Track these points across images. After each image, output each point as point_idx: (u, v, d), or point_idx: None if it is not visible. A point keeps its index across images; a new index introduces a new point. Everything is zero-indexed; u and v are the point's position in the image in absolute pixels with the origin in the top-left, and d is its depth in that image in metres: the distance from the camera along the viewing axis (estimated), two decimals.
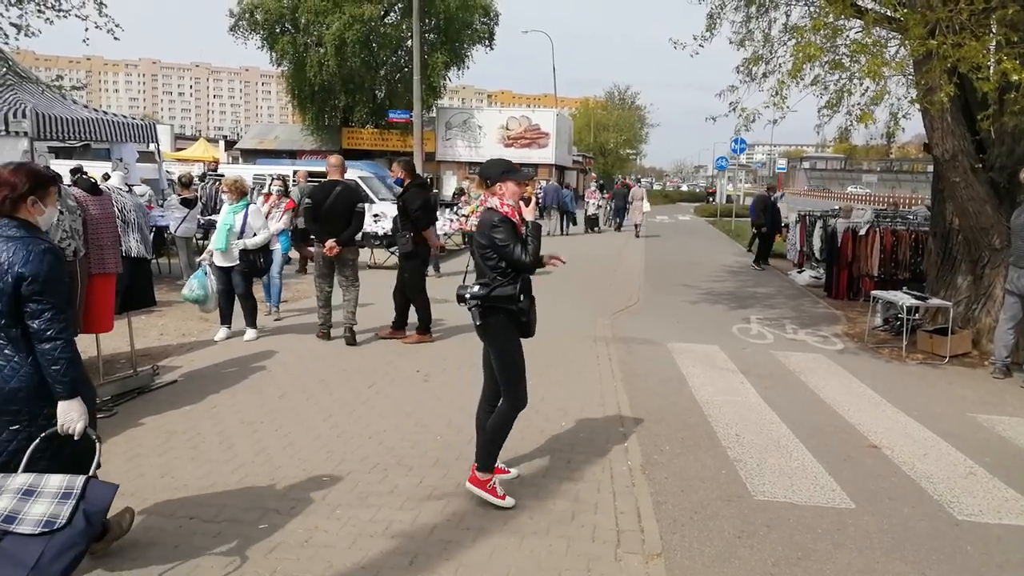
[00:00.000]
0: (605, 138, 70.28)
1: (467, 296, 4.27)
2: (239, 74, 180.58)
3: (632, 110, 73.50)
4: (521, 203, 4.33)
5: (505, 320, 4.27)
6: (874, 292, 10.34)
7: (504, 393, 4.38)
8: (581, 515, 4.31)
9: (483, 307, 4.24)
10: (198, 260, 8.69)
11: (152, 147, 14.36)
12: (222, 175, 20.93)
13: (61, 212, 5.41)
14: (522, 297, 4.25)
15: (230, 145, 45.58)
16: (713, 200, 45.15)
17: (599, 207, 28.20)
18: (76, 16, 11.64)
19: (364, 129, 38.44)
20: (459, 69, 38.99)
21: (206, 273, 7.95)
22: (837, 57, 7.86)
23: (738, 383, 7.35)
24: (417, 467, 4.94)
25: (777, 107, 7.77)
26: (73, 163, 12.86)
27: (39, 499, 2.87)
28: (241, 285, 8.32)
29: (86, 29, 11.65)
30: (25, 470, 3.02)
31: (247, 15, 35.79)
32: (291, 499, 4.40)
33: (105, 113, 13.60)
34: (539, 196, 31.28)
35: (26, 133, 11.28)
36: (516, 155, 39.49)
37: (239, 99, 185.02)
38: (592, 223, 27.09)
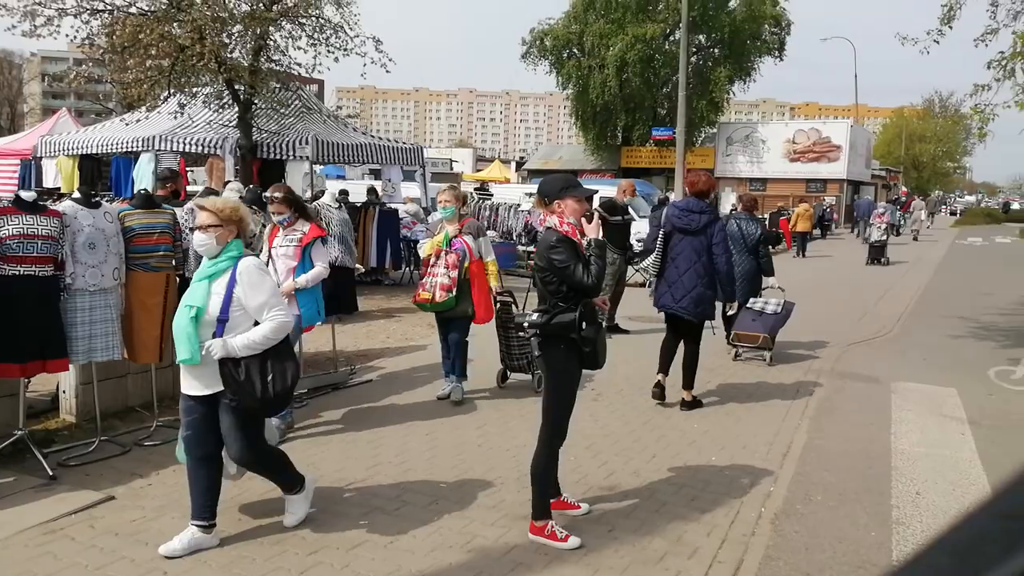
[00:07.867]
0: (920, 150, 63.45)
1: (525, 325, 4.12)
2: (543, 99, 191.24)
3: (955, 118, 65.38)
4: (583, 221, 4.13)
5: (566, 351, 4.03)
6: None
7: (544, 425, 4.14)
8: (672, 558, 3.97)
9: (542, 336, 4.05)
10: None
11: (416, 168, 15.77)
12: (490, 194, 22.28)
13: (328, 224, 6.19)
14: (584, 325, 3.97)
15: (520, 166, 48.47)
16: None
17: (887, 229, 21.54)
18: (357, 54, 13.05)
19: (644, 147, 38.63)
20: (744, 82, 37.73)
21: None
22: None
23: (957, 434, 6.23)
24: None
25: None
26: (342, 184, 14.58)
27: None
28: None
29: (364, 64, 12.97)
30: None
31: (537, 42, 37.90)
32: (399, 501, 4.61)
33: (378, 139, 15.28)
34: (821, 210, 28.59)
35: (307, 157, 13.08)
36: (803, 170, 37.24)
37: (542, 123, 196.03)
38: (877, 253, 20.71)
